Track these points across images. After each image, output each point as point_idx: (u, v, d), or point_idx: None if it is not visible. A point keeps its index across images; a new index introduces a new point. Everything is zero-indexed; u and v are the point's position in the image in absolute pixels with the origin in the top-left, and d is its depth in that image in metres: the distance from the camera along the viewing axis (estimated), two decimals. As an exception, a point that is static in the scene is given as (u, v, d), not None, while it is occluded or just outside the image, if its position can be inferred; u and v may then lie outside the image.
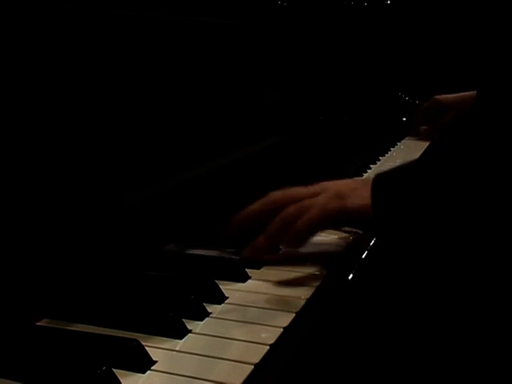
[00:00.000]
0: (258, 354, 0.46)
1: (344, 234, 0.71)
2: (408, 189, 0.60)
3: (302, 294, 0.57)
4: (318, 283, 0.59)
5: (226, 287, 0.57)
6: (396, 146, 1.37)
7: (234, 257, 0.65)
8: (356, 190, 0.64)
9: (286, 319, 0.51)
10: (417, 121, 1.50)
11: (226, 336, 0.49)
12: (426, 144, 1.36)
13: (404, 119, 1.62)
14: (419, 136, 1.48)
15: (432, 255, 0.61)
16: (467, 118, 0.63)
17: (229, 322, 0.52)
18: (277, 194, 0.67)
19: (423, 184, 0.60)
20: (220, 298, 0.56)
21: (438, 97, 1.44)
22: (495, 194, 0.56)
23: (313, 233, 0.64)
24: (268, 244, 0.64)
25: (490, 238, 0.56)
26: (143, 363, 0.45)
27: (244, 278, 0.60)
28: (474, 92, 1.23)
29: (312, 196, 0.65)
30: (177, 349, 0.47)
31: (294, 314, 0.52)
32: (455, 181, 0.58)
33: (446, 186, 0.58)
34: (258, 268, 0.63)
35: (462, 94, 1.38)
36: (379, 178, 0.64)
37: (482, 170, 0.57)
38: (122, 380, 0.43)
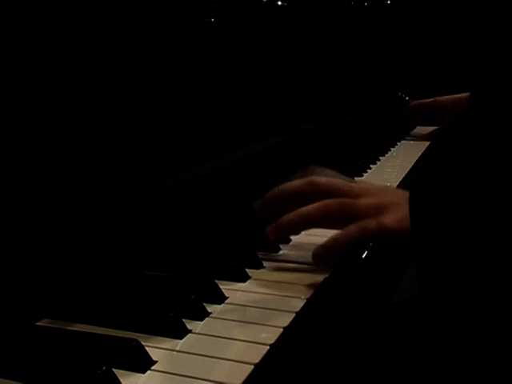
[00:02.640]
0: (258, 353, 0.46)
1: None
2: (443, 210, 0.58)
3: (302, 294, 0.57)
4: (318, 283, 0.59)
5: (226, 287, 0.57)
6: (396, 146, 1.37)
7: (234, 257, 0.65)
8: (396, 204, 0.63)
9: (286, 319, 0.51)
10: (403, 117, 1.49)
11: (225, 336, 0.49)
12: (426, 144, 1.36)
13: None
14: (419, 136, 1.48)
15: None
16: (464, 122, 0.63)
17: (229, 321, 0.52)
18: (320, 180, 0.65)
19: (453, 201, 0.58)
20: (220, 298, 0.56)
21: (437, 98, 1.44)
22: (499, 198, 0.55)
23: (348, 250, 0.63)
24: (296, 227, 0.63)
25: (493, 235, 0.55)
26: (143, 363, 0.45)
27: (244, 277, 0.60)
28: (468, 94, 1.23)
29: (354, 195, 0.64)
30: (177, 349, 0.47)
31: (294, 314, 0.52)
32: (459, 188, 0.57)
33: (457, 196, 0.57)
34: (258, 268, 0.63)
35: (457, 95, 1.38)
36: (415, 195, 0.62)
37: (481, 173, 0.57)
38: (122, 380, 0.43)
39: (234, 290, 0.58)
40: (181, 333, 0.49)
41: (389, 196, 0.65)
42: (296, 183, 0.66)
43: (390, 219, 0.62)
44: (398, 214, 0.62)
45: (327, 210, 0.63)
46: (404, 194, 0.64)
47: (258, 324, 0.51)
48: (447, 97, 1.41)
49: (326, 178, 0.66)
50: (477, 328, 0.57)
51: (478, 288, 0.55)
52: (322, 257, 0.62)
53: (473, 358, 0.60)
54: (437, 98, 1.44)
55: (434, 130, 1.47)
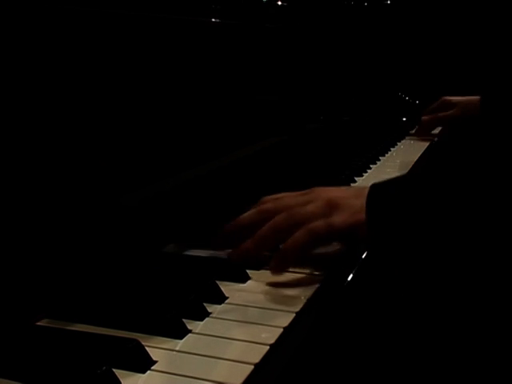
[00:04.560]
0: (258, 353, 0.46)
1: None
2: (405, 202, 0.59)
3: (302, 294, 0.57)
4: (318, 283, 0.59)
5: (226, 287, 0.57)
6: (396, 146, 1.37)
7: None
8: (347, 199, 0.62)
9: (286, 319, 0.51)
10: (424, 121, 1.50)
11: (226, 336, 0.49)
12: (426, 144, 1.36)
13: (404, 119, 1.62)
14: (419, 136, 1.48)
15: (429, 262, 0.59)
16: (470, 125, 0.63)
17: (229, 321, 0.52)
18: (268, 205, 0.66)
19: (422, 195, 0.58)
20: (220, 298, 0.56)
21: (446, 97, 1.44)
22: (498, 201, 0.55)
23: (300, 255, 0.62)
24: (255, 250, 0.63)
25: (492, 242, 0.55)
26: (143, 363, 0.45)
27: (244, 278, 0.60)
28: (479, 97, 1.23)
29: (303, 205, 0.64)
30: (177, 349, 0.47)
31: (294, 314, 0.52)
32: (457, 188, 0.57)
33: (447, 196, 0.57)
34: (258, 268, 0.63)
35: (469, 97, 1.38)
36: (374, 190, 0.62)
37: (484, 176, 0.56)
38: (122, 380, 0.43)
39: (234, 290, 0.58)
40: (181, 333, 0.49)
41: (337, 193, 0.65)
42: (247, 215, 0.67)
43: (338, 217, 0.61)
44: (347, 211, 0.61)
45: (277, 226, 0.63)
46: (356, 190, 0.64)
47: (258, 324, 0.51)
48: (459, 97, 1.41)
49: (273, 200, 0.66)
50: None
51: (437, 274, 0.56)
52: (279, 266, 0.62)
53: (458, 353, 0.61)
54: (445, 98, 1.43)
55: (441, 131, 1.47)
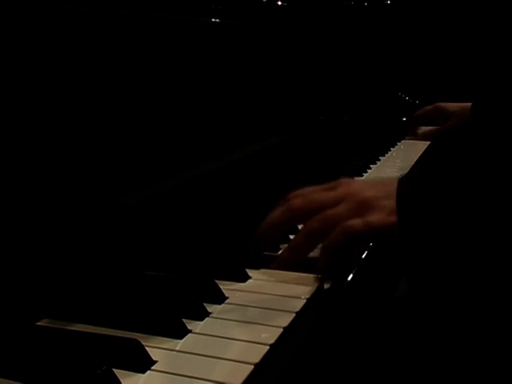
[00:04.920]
0: (258, 353, 0.46)
1: None
2: (434, 206, 0.57)
3: (302, 294, 0.57)
4: (318, 283, 0.59)
5: (226, 287, 0.57)
6: (396, 146, 1.37)
7: (234, 257, 0.65)
8: (378, 200, 0.61)
9: (286, 319, 0.51)
10: (414, 122, 1.50)
11: (226, 336, 0.49)
12: (426, 144, 1.36)
13: (404, 119, 1.62)
14: (418, 136, 1.48)
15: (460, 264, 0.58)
16: (467, 126, 0.63)
17: (229, 321, 0.52)
18: (296, 202, 0.65)
19: (447, 199, 0.57)
20: (220, 298, 0.56)
21: (441, 104, 1.44)
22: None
23: (341, 254, 0.62)
24: (293, 259, 0.63)
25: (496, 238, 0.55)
26: (143, 363, 0.45)
27: (244, 278, 0.60)
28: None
29: (333, 204, 0.63)
30: (177, 349, 0.47)
31: (294, 314, 0.52)
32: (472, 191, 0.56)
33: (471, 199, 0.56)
34: (258, 268, 0.63)
35: (464, 104, 1.38)
36: (403, 189, 0.60)
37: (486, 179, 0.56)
38: (122, 380, 0.43)
39: (234, 289, 0.58)
40: (181, 333, 0.49)
41: (369, 192, 0.63)
42: (276, 216, 0.65)
43: (375, 217, 0.60)
44: (382, 211, 0.60)
45: (312, 233, 0.62)
46: (385, 187, 0.62)
47: (258, 324, 0.51)
48: (454, 104, 1.41)
49: (301, 199, 0.65)
50: (468, 324, 0.56)
51: (467, 285, 0.55)
52: (324, 267, 0.61)
53: (464, 353, 0.60)
54: (439, 104, 1.44)
55: (435, 130, 1.47)
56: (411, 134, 1.49)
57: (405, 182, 0.62)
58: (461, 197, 0.56)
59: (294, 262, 0.63)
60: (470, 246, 0.54)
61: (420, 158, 1.22)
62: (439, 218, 0.56)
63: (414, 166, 1.13)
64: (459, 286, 0.55)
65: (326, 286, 0.59)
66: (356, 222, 0.60)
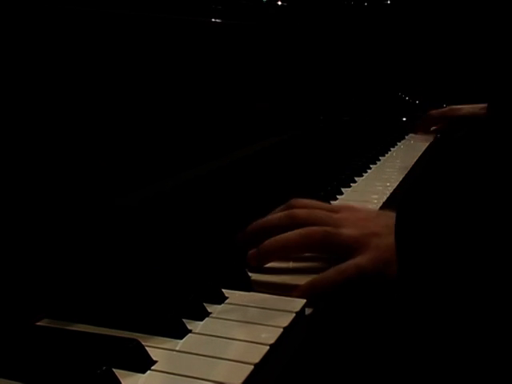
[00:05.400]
0: (258, 353, 0.46)
1: None
2: (434, 243, 0.56)
3: (302, 294, 0.57)
4: (318, 283, 0.59)
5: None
6: (396, 146, 1.37)
7: (233, 257, 0.65)
8: (378, 238, 0.62)
9: (286, 319, 0.51)
10: (425, 124, 1.50)
11: (226, 336, 0.49)
12: (426, 144, 1.36)
13: (404, 119, 1.62)
14: (419, 136, 1.48)
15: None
16: (480, 133, 0.61)
17: (229, 321, 0.52)
18: (300, 212, 0.66)
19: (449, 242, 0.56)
20: (220, 298, 0.55)
21: (454, 107, 1.44)
22: None
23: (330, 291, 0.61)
24: (279, 251, 0.63)
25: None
26: (143, 363, 0.45)
27: (244, 277, 0.60)
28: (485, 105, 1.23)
29: (335, 224, 0.64)
30: (177, 349, 0.47)
31: (294, 314, 0.52)
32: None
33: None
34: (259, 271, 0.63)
35: (477, 105, 1.38)
36: (402, 232, 0.60)
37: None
38: (122, 380, 0.43)
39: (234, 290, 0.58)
40: (181, 333, 0.49)
41: (369, 226, 0.64)
42: (277, 216, 0.66)
43: (366, 258, 0.61)
44: (376, 252, 0.61)
45: (310, 238, 0.63)
46: (386, 222, 0.63)
47: (258, 324, 0.51)
48: (464, 106, 1.41)
49: (305, 209, 0.66)
50: (464, 327, 0.56)
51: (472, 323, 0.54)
52: (308, 295, 0.59)
53: (460, 354, 0.60)
54: (453, 107, 1.44)
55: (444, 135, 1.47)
56: (422, 131, 1.49)
57: (402, 221, 0.62)
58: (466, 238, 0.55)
59: (276, 254, 0.63)
60: (479, 287, 0.53)
61: (420, 158, 1.22)
62: (440, 261, 0.55)
63: (413, 167, 1.13)
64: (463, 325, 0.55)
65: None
66: (349, 267, 0.61)
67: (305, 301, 0.55)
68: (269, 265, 0.63)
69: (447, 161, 0.64)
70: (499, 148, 0.57)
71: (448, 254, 0.55)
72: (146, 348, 0.46)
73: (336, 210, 0.68)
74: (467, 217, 0.55)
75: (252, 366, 0.44)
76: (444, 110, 1.47)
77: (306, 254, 0.65)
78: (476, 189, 0.56)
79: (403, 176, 1.04)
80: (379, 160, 1.20)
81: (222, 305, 0.55)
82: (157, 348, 0.47)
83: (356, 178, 1.02)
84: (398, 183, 0.99)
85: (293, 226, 0.64)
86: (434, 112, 1.49)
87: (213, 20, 0.94)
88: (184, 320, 0.50)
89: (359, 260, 0.61)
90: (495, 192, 0.54)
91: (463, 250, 0.54)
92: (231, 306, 0.55)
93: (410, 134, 1.51)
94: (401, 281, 0.58)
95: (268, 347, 0.47)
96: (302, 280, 0.59)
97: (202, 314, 0.52)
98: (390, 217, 0.63)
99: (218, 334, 0.49)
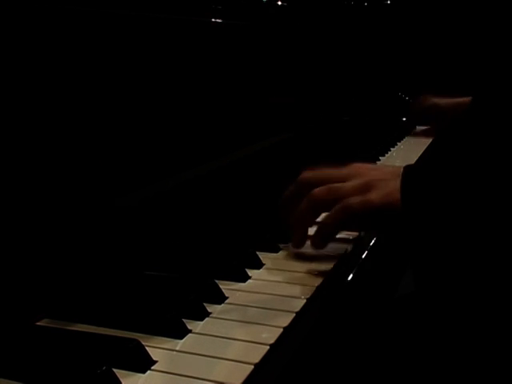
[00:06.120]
0: (258, 353, 0.46)
1: (344, 234, 0.71)
2: (436, 188, 0.58)
3: (302, 294, 0.57)
4: (318, 283, 0.59)
5: (226, 287, 0.57)
6: (396, 146, 1.37)
7: (234, 256, 0.65)
8: (384, 180, 0.63)
9: (286, 319, 0.51)
10: (412, 120, 1.51)
11: (226, 336, 0.49)
12: (426, 144, 1.36)
13: (404, 119, 1.62)
14: (419, 136, 1.48)
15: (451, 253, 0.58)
16: (465, 120, 0.63)
17: (229, 321, 0.52)
18: (307, 174, 0.68)
19: (451, 186, 0.58)
20: (220, 298, 0.56)
21: (435, 100, 1.45)
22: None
23: (337, 232, 0.65)
24: (297, 227, 0.65)
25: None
26: (143, 363, 0.45)
27: (244, 278, 0.60)
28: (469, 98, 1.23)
29: (341, 180, 0.65)
30: (177, 349, 0.47)
31: (294, 314, 0.52)
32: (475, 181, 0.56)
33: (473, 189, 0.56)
34: (258, 268, 0.63)
35: (457, 99, 1.38)
36: (408, 174, 0.62)
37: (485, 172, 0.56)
38: (122, 380, 0.43)
39: (234, 289, 0.58)
40: (181, 333, 0.49)
41: (376, 173, 0.66)
42: (290, 188, 0.68)
43: (375, 195, 0.62)
44: (384, 190, 0.62)
45: (315, 200, 0.64)
46: (393, 170, 0.65)
47: (258, 324, 0.51)
48: (448, 100, 1.41)
49: (311, 172, 0.68)
50: (473, 317, 0.56)
51: (469, 267, 0.55)
52: (319, 244, 0.65)
53: (469, 351, 0.60)
54: (435, 101, 1.44)
55: (434, 129, 1.47)
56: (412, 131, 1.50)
57: (410, 166, 0.64)
58: (463, 185, 0.56)
59: (299, 230, 0.65)
60: (470, 230, 0.55)
61: (424, 152, 1.22)
62: (442, 201, 0.57)
63: (419, 158, 1.13)
64: (461, 269, 0.56)
65: (327, 285, 0.59)
66: (355, 200, 0.62)
67: (305, 301, 0.55)
68: (270, 265, 0.64)
69: (444, 149, 0.65)
70: (482, 140, 0.58)
71: (452, 200, 0.56)
72: (146, 348, 0.46)
73: (345, 167, 0.69)
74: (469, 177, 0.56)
75: (252, 366, 0.44)
76: (425, 106, 1.48)
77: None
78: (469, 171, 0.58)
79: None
80: (379, 160, 1.20)
81: (222, 305, 0.55)
82: (157, 348, 0.47)
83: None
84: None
85: (303, 192, 0.65)
86: (416, 109, 1.50)
87: (213, 20, 0.94)
88: (184, 320, 0.50)
89: (367, 196, 0.62)
90: (486, 177, 0.56)
91: (465, 198, 0.55)
92: (231, 306, 0.55)
93: (410, 134, 1.51)
94: (405, 221, 0.59)
95: (268, 347, 0.47)
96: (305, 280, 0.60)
97: (202, 314, 0.52)
98: (397, 167, 0.65)
99: (218, 334, 0.49)
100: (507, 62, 0.63)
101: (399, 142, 1.42)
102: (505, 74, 0.61)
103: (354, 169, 0.68)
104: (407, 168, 0.63)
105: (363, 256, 0.67)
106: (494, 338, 0.57)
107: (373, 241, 0.70)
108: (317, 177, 0.67)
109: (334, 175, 0.67)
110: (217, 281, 0.57)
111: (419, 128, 1.55)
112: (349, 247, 0.68)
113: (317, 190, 0.64)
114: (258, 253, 0.65)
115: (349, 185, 0.64)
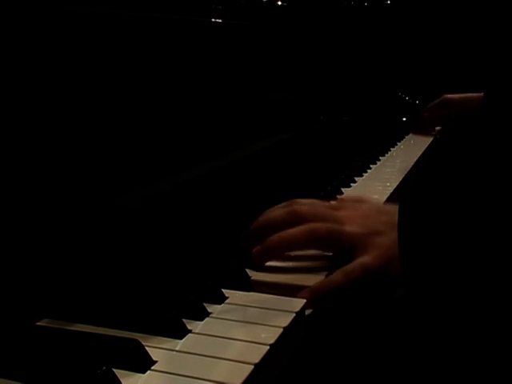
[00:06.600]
0: (258, 354, 0.46)
1: None
2: (437, 239, 0.56)
3: (302, 293, 0.57)
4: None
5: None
6: (396, 146, 1.37)
7: (234, 257, 0.65)
8: (382, 235, 0.62)
9: (286, 319, 0.51)
10: (424, 119, 1.51)
11: (226, 336, 0.49)
12: (426, 144, 1.36)
13: (404, 119, 1.62)
14: (420, 135, 1.48)
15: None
16: (475, 121, 0.61)
17: (229, 321, 0.52)
18: (303, 208, 0.66)
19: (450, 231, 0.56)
20: (220, 298, 0.56)
21: (447, 96, 1.45)
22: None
23: (335, 294, 0.62)
24: (283, 247, 0.63)
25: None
26: (143, 363, 0.45)
27: (244, 277, 0.60)
28: (481, 94, 1.23)
29: (337, 221, 0.64)
30: (177, 349, 0.47)
31: (294, 314, 0.52)
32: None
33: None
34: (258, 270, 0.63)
35: (469, 94, 1.38)
36: (404, 229, 0.58)
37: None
38: (122, 380, 0.43)
39: (234, 290, 0.58)
40: (181, 333, 0.49)
41: (372, 224, 0.64)
42: (279, 213, 0.66)
43: (372, 258, 0.61)
44: (380, 250, 0.61)
45: (314, 235, 0.63)
46: (387, 219, 0.64)
47: (258, 324, 0.51)
48: (459, 95, 1.41)
49: (307, 206, 0.66)
50: (466, 326, 0.56)
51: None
52: (313, 302, 0.59)
53: (463, 354, 0.60)
54: (446, 96, 1.44)
55: (440, 127, 1.47)
56: (418, 131, 1.50)
57: (405, 212, 0.59)
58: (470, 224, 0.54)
59: (280, 250, 0.63)
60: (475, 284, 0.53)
61: (420, 157, 1.22)
62: (442, 251, 0.54)
63: (413, 167, 1.13)
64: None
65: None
66: (355, 268, 0.61)
67: (305, 301, 0.55)
68: (270, 264, 0.64)
69: (446, 155, 0.63)
70: (496, 139, 0.57)
71: (451, 250, 0.54)
72: (146, 348, 0.46)
73: (337, 207, 0.68)
74: (469, 212, 0.54)
75: (252, 366, 0.44)
76: (435, 102, 1.48)
77: (307, 253, 0.65)
78: (476, 182, 0.56)
79: (403, 176, 1.04)
80: (379, 160, 1.20)
81: (222, 305, 0.55)
82: (157, 348, 0.47)
83: (356, 178, 1.02)
84: (397, 183, 0.99)
85: (295, 223, 0.64)
86: (426, 108, 1.50)
87: (213, 20, 0.94)
88: (184, 320, 0.50)
89: (364, 259, 0.61)
90: (495, 185, 0.54)
91: (465, 245, 0.53)
92: (231, 306, 0.55)
93: (410, 134, 1.51)
94: (405, 278, 0.58)
95: (268, 347, 0.47)
96: (304, 280, 0.60)
97: (202, 314, 0.52)
98: (392, 213, 0.62)
99: (218, 334, 0.49)
100: (509, 62, 0.62)
101: (399, 141, 1.42)
102: (507, 74, 0.61)
103: (348, 210, 0.66)
104: (402, 221, 0.58)
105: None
106: (489, 342, 0.57)
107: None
108: (313, 212, 0.65)
109: (329, 215, 0.65)
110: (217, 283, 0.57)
111: (419, 128, 1.55)
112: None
113: (318, 225, 0.63)
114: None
115: (348, 231, 0.63)
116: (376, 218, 0.66)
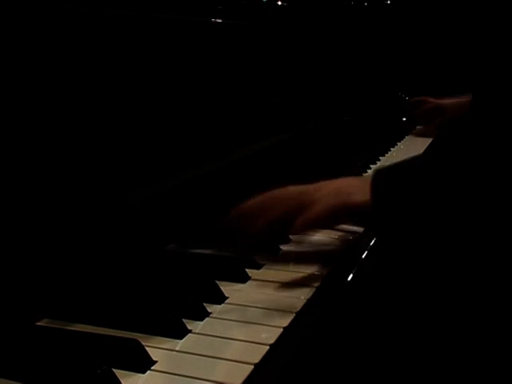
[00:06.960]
0: (258, 354, 0.46)
1: (344, 234, 0.71)
2: (407, 185, 0.61)
3: (302, 294, 0.57)
4: (317, 283, 0.59)
5: (226, 287, 0.57)
6: (396, 146, 1.37)
7: (233, 257, 0.65)
8: (355, 187, 0.65)
9: (286, 319, 0.51)
10: (418, 119, 1.52)
11: (226, 336, 0.49)
12: (426, 144, 1.36)
13: (404, 119, 1.62)
14: (419, 135, 1.48)
15: (429, 253, 0.61)
16: (464, 119, 0.63)
17: (229, 321, 0.52)
18: (276, 191, 0.68)
19: (421, 182, 0.60)
20: (220, 298, 0.56)
21: (438, 101, 1.45)
22: (490, 192, 0.56)
23: (313, 229, 0.66)
24: (267, 230, 0.65)
25: (486, 235, 0.56)
26: (143, 363, 0.45)
27: (244, 278, 0.60)
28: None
29: (312, 192, 0.66)
30: (177, 349, 0.47)
31: (294, 314, 0.52)
32: (451, 180, 0.58)
33: (442, 185, 0.58)
34: (258, 268, 0.63)
35: (458, 99, 1.39)
36: (379, 173, 0.64)
37: (476, 169, 0.57)
38: (122, 380, 0.43)
39: (234, 290, 0.58)
40: (181, 333, 0.49)
41: (344, 182, 0.68)
42: (255, 200, 0.68)
43: (350, 197, 0.64)
44: (357, 193, 0.64)
45: (289, 210, 0.65)
46: (361, 178, 0.70)
47: (258, 324, 0.51)
48: (449, 100, 1.42)
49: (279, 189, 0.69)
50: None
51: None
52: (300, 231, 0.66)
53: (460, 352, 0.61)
54: (437, 102, 1.45)
55: (434, 129, 1.48)
56: (415, 131, 1.51)
57: (383, 168, 0.67)
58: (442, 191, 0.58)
59: (266, 233, 0.66)
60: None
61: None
62: (413, 199, 0.60)
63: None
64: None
65: (326, 285, 0.59)
66: (333, 200, 0.64)
67: (305, 301, 0.55)
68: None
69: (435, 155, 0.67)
70: (483, 144, 0.59)
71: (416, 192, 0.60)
72: (146, 348, 0.46)
73: (313, 185, 0.70)
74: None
75: (252, 366, 0.44)
76: (428, 107, 1.49)
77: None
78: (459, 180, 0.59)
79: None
80: (379, 160, 1.20)
81: (222, 305, 0.55)
82: (157, 348, 0.47)
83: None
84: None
85: (272, 207, 0.66)
86: (418, 111, 1.51)
87: (213, 20, 0.94)
88: (184, 320, 0.50)
89: (348, 197, 0.64)
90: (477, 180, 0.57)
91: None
92: (231, 306, 0.55)
93: (410, 134, 1.51)
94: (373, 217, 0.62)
95: (268, 347, 0.47)
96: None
97: (202, 314, 0.52)
98: (364, 177, 0.69)
99: (218, 334, 0.49)
100: (507, 63, 0.63)
101: (399, 141, 1.42)
102: (504, 75, 0.61)
103: (321, 184, 0.69)
104: (378, 170, 0.66)
105: (363, 256, 0.67)
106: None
107: (372, 241, 0.70)
108: (286, 192, 0.68)
109: (304, 191, 0.68)
110: (217, 281, 0.57)
111: (419, 128, 1.55)
112: (349, 247, 0.68)
113: (290, 201, 0.66)
114: (259, 254, 0.65)
115: (320, 194, 0.66)
116: (349, 180, 0.70)
